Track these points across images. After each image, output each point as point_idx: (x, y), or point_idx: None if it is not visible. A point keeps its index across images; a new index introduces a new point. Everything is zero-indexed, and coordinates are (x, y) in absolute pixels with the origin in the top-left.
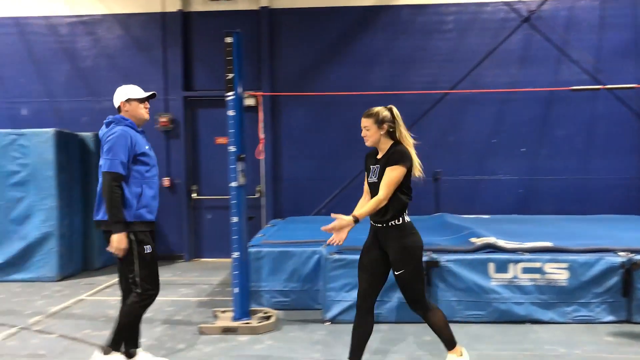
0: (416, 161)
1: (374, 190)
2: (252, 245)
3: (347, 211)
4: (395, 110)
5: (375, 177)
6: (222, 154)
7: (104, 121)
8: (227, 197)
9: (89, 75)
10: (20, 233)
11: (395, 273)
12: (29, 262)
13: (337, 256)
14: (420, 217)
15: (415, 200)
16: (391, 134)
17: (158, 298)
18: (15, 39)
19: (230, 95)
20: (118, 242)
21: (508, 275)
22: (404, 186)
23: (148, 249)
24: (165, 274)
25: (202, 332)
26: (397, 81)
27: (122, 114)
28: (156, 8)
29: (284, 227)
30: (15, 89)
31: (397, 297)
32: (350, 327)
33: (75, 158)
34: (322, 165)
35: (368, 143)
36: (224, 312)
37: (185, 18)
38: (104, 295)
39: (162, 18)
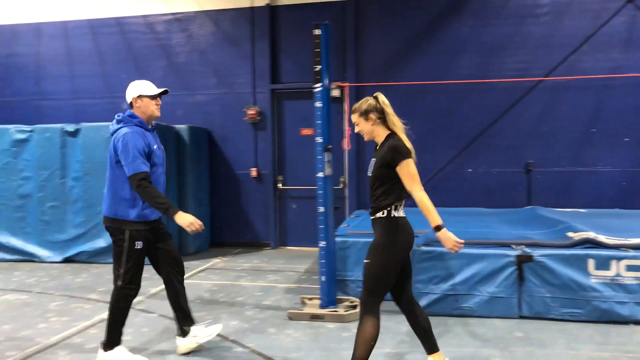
0: (411, 148)
1: (371, 183)
2: (338, 235)
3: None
4: (381, 97)
5: (370, 170)
6: (307, 145)
7: (115, 117)
8: (311, 188)
9: (182, 70)
10: None
11: (364, 260)
12: None
13: (425, 248)
14: (511, 210)
15: (505, 193)
16: (385, 122)
17: (247, 283)
18: (117, 38)
19: (317, 87)
20: (182, 220)
21: (610, 273)
22: (398, 180)
23: (139, 245)
24: (253, 260)
25: (290, 317)
26: (486, 69)
27: (133, 109)
28: (245, 3)
29: (368, 218)
30: (116, 85)
31: (487, 291)
32: (438, 319)
33: (170, 149)
34: None
35: (366, 138)
36: (311, 299)
37: (272, 12)
38: (197, 279)
39: (250, 13)
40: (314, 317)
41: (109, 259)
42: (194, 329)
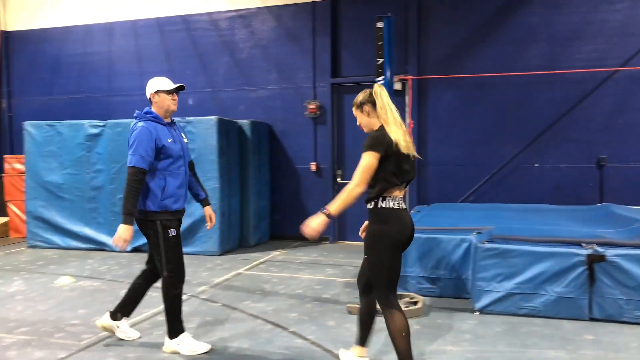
0: (400, 139)
1: None
2: None
3: (497, 199)
4: (376, 88)
5: None
6: None
7: (134, 115)
8: None
9: (244, 65)
10: (188, 210)
11: (364, 256)
12: (195, 237)
13: (488, 245)
14: (581, 207)
15: (574, 189)
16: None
17: (306, 276)
18: (183, 35)
19: (380, 80)
20: (122, 231)
21: None
22: (386, 171)
23: (172, 232)
24: (312, 254)
25: (350, 311)
26: (557, 59)
27: (152, 105)
28: None
29: (429, 214)
30: (182, 81)
31: (554, 291)
32: (501, 318)
33: (234, 143)
34: (470, 150)
35: (365, 130)
36: None
37: (333, 5)
38: (258, 270)
39: (312, 7)
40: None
41: None
42: (122, 321)
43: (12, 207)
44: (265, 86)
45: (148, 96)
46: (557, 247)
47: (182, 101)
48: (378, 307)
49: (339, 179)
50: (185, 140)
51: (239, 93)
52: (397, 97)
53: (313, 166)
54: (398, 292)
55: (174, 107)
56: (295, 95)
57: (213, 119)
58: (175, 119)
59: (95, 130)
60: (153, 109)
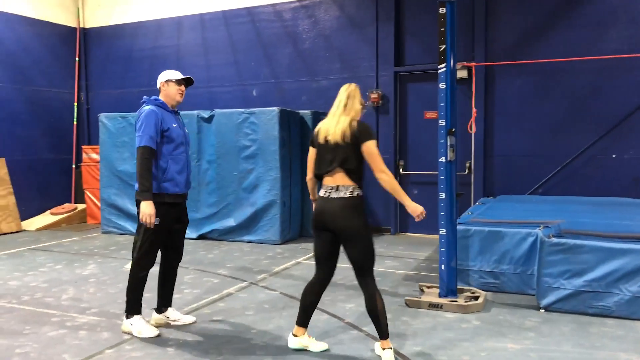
0: (324, 129)
1: None
2: (460, 223)
3: (568, 191)
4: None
5: None
6: (431, 128)
7: (141, 100)
8: (434, 173)
9: (307, 56)
10: (250, 200)
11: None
12: (256, 226)
13: (555, 240)
14: None
15: None
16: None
17: None
18: (248, 27)
19: (442, 68)
20: (145, 208)
21: None
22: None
23: (156, 221)
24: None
25: (408, 304)
26: (638, 42)
27: (160, 94)
28: None
29: (494, 206)
30: (246, 72)
31: (629, 290)
32: (569, 316)
33: (295, 134)
34: (539, 141)
35: None
36: (429, 287)
37: None
38: None
39: None
40: (432, 306)
41: (237, 237)
42: (170, 311)
43: (89, 195)
44: (328, 76)
45: (158, 86)
46: (634, 243)
47: (246, 92)
48: None
49: (401, 170)
50: (187, 130)
51: (302, 83)
52: (461, 85)
53: None
54: (459, 287)
55: (179, 98)
56: (358, 85)
57: (275, 110)
58: (238, 110)
59: None
60: (160, 97)
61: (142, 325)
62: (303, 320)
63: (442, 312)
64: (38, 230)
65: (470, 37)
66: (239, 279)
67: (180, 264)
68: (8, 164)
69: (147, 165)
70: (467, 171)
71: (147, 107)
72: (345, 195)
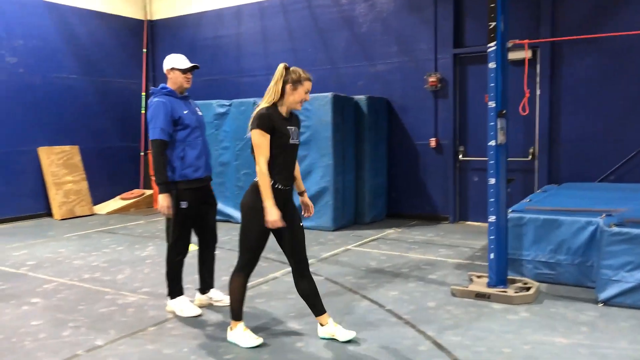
0: None
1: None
2: (514, 211)
3: None
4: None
5: (297, 138)
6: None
7: (149, 92)
8: None
9: (364, 40)
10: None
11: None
12: None
13: (617, 229)
14: None
15: None
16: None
17: (416, 255)
18: (305, 13)
19: (492, 46)
20: (162, 200)
21: None
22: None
23: (183, 204)
24: (428, 234)
25: (453, 293)
26: None
27: (167, 80)
28: None
29: (557, 194)
30: (304, 59)
31: None
32: (630, 312)
33: (349, 119)
34: (612, 124)
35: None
36: (479, 277)
37: None
38: (368, 247)
39: None
40: (479, 296)
41: None
42: (212, 291)
43: None
44: (385, 60)
45: (164, 71)
46: None
47: None
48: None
49: (460, 156)
50: (200, 113)
51: (358, 68)
52: (516, 66)
53: (433, 142)
54: (511, 277)
55: (187, 85)
56: (415, 69)
57: (328, 95)
58: None
59: (222, 110)
60: (168, 84)
61: (185, 305)
62: (313, 309)
63: (489, 302)
64: (108, 214)
65: (535, 13)
66: (286, 263)
67: (233, 248)
68: (81, 152)
69: (161, 158)
70: (530, 157)
71: (155, 99)
72: (255, 180)
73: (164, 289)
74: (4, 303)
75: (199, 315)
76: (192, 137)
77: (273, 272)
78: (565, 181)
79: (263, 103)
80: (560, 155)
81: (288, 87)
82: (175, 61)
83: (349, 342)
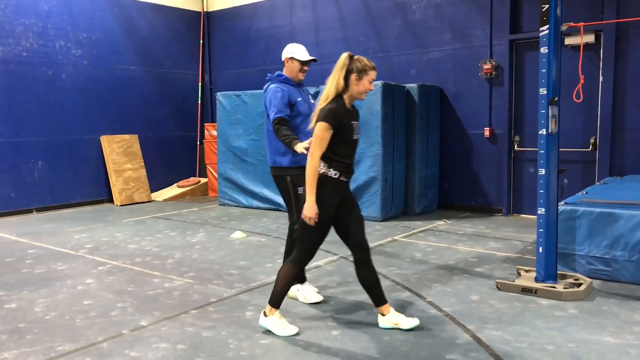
0: None
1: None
2: (567, 203)
3: None
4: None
5: (358, 134)
6: None
7: (266, 78)
8: None
9: (417, 27)
10: (352, 176)
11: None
12: (358, 202)
13: None
14: None
15: None
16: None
17: (465, 248)
18: (357, 2)
19: (544, 30)
20: (298, 149)
21: None
22: None
23: (300, 190)
24: (479, 226)
25: (499, 287)
26: None
27: (284, 68)
28: None
29: (617, 186)
30: (355, 47)
31: None
32: None
33: (400, 108)
34: None
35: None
36: (527, 271)
37: None
38: (415, 238)
39: None
40: (525, 291)
41: None
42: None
43: (210, 169)
44: (438, 47)
45: (283, 59)
46: None
47: None
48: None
49: (515, 146)
50: (312, 101)
51: (411, 56)
52: (588, 51)
53: (487, 132)
54: (562, 272)
55: (302, 76)
56: (469, 56)
57: (378, 84)
58: None
59: None
60: (284, 72)
61: (308, 291)
62: (374, 299)
63: (536, 297)
64: (165, 201)
65: None
66: (330, 252)
67: (280, 236)
68: (140, 141)
69: (286, 132)
70: (590, 147)
71: (272, 85)
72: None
73: (209, 274)
74: (61, 282)
75: (322, 302)
76: (304, 125)
77: (316, 260)
78: (629, 173)
79: (327, 93)
80: (624, 146)
81: (353, 76)
82: (295, 51)
83: (385, 331)
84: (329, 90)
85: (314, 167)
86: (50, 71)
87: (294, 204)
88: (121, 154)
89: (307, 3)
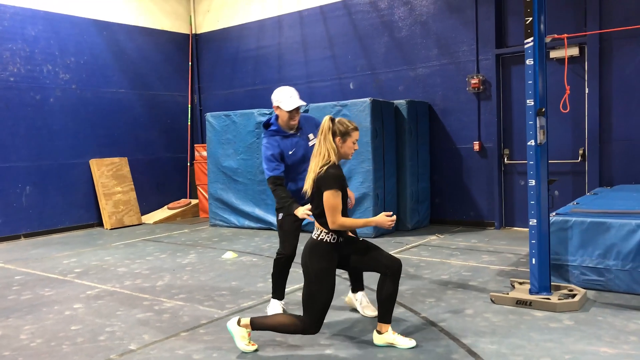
0: None
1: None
2: (559, 214)
3: None
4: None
5: None
6: None
7: (263, 123)
8: None
9: (404, 44)
10: None
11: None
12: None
13: None
14: None
15: None
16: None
17: (458, 262)
18: (344, 20)
19: (528, 42)
20: (299, 213)
21: None
22: None
23: (279, 216)
24: (472, 240)
25: (493, 300)
26: None
27: (276, 116)
28: None
29: (607, 196)
30: (343, 65)
31: None
32: None
33: (389, 124)
34: None
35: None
36: (521, 283)
37: None
38: (408, 254)
39: None
40: (520, 303)
41: None
42: (359, 294)
43: (201, 190)
44: (425, 63)
45: (273, 104)
46: None
47: (343, 86)
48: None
49: (505, 159)
50: (311, 142)
51: (399, 73)
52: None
53: (476, 146)
54: (556, 283)
55: (293, 123)
56: (457, 71)
57: (366, 100)
58: (332, 103)
59: (263, 118)
60: (276, 120)
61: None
62: (382, 314)
63: (531, 309)
64: (155, 223)
65: (581, 7)
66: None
67: (272, 255)
68: (130, 163)
69: (279, 190)
70: (579, 159)
71: (264, 141)
72: (313, 236)
73: (200, 295)
74: (48, 308)
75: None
76: (302, 167)
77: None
78: (618, 183)
79: (322, 157)
80: (612, 156)
81: (337, 140)
82: (281, 99)
83: (380, 348)
84: (325, 152)
85: (345, 225)
86: (38, 96)
87: (278, 230)
88: (111, 177)
89: (294, 23)
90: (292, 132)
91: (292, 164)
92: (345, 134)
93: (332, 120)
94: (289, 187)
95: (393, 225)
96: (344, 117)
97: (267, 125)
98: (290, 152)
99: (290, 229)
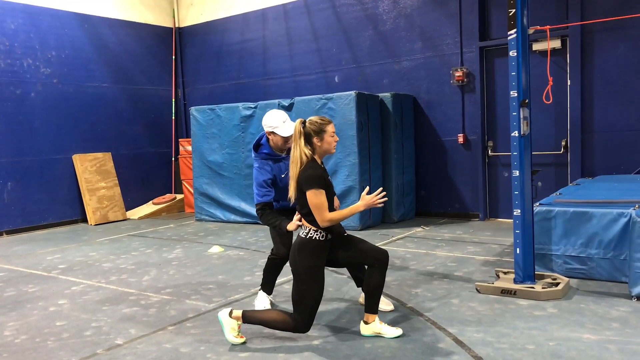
0: None
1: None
2: (542, 204)
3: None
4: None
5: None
6: None
7: (252, 145)
8: None
9: (388, 37)
10: None
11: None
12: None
13: None
14: None
15: None
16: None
17: (443, 253)
18: (329, 13)
19: (512, 34)
20: (291, 227)
21: None
22: None
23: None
24: (457, 231)
25: (478, 290)
26: None
27: (267, 137)
28: None
29: (589, 186)
30: (328, 59)
31: None
32: None
33: (374, 117)
34: None
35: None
36: (506, 273)
37: None
38: (394, 245)
39: None
40: (505, 292)
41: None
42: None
43: (186, 185)
44: (410, 56)
45: (264, 128)
46: None
47: (329, 79)
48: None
49: (489, 152)
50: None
51: (383, 66)
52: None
53: (460, 138)
54: (540, 272)
55: (285, 148)
56: (441, 64)
57: (351, 94)
58: (317, 96)
59: (248, 112)
60: (268, 139)
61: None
62: (369, 305)
63: (516, 298)
64: (140, 218)
65: (563, 1)
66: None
67: (259, 249)
68: (114, 158)
69: (267, 215)
70: (562, 150)
71: (256, 165)
72: (302, 235)
73: (186, 289)
74: (32, 305)
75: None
76: (284, 195)
77: None
78: (600, 174)
79: (298, 160)
80: (594, 147)
81: (315, 140)
82: (275, 125)
83: (367, 338)
84: (300, 157)
85: (334, 219)
86: (18, 90)
87: (272, 236)
88: (94, 173)
89: (279, 16)
90: (283, 154)
91: (283, 186)
92: (320, 132)
93: (303, 123)
94: (279, 204)
95: (382, 204)
96: (329, 110)
97: (257, 146)
98: (282, 176)
99: (277, 233)
